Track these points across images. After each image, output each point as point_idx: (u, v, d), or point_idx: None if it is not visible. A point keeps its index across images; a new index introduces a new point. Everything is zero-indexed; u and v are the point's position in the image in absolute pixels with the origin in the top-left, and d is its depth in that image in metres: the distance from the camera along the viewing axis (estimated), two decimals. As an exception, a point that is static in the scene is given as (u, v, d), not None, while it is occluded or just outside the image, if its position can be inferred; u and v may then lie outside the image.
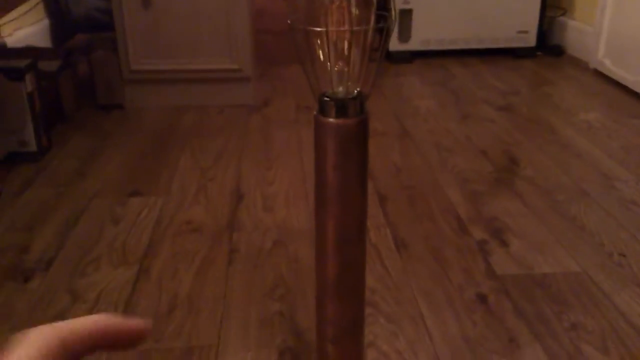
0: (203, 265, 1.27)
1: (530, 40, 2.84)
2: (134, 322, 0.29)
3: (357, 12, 0.54)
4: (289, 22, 0.55)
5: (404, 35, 2.81)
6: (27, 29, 2.56)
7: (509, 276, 1.21)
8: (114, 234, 1.40)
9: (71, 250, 1.34)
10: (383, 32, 0.58)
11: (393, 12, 0.56)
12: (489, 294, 1.15)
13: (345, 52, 0.55)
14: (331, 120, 0.59)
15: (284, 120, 2.13)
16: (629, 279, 1.19)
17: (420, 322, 1.08)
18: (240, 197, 1.57)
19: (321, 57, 0.56)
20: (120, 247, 1.33)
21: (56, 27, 2.81)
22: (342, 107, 0.58)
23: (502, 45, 2.85)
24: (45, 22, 2.77)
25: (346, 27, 0.54)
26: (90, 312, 1.13)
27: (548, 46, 2.90)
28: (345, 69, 0.57)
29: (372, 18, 0.55)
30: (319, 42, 0.55)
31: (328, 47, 0.54)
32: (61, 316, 1.12)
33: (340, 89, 0.60)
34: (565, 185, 1.60)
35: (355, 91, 0.60)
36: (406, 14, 2.76)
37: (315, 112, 0.60)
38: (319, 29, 0.54)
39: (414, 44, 2.82)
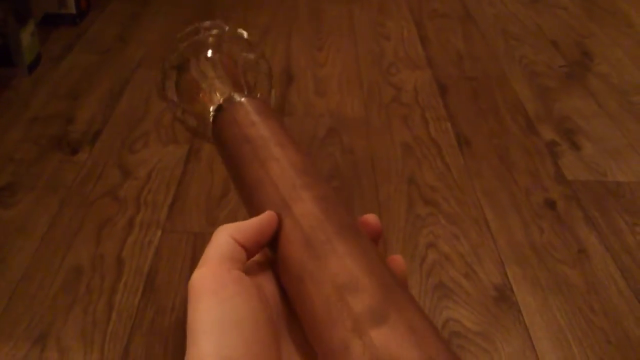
0: (255, 149, 1.21)
1: None
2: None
3: None
4: None
5: None
6: None
7: (580, 182, 1.14)
8: (161, 109, 1.33)
9: (118, 124, 1.29)
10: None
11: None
12: (558, 199, 1.09)
13: None
14: None
15: (335, -6, 1.97)
16: None
17: (484, 225, 1.03)
18: (290, 79, 1.48)
19: None
20: (169, 124, 1.28)
21: None
22: None
23: None
24: None
25: None
26: (141, 189, 1.10)
27: None
28: None
29: None
30: None
31: None
32: (112, 192, 1.09)
33: None
34: (641, 85, 1.47)
35: None
36: None
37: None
38: None
39: None
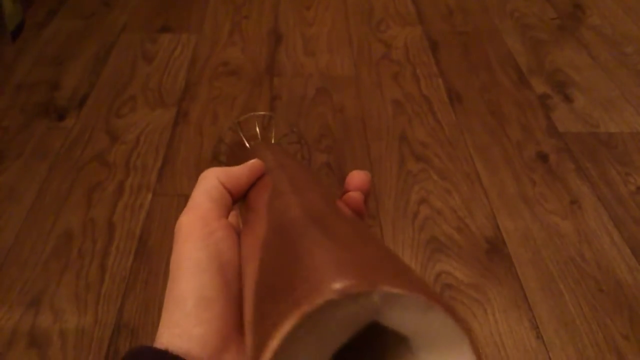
0: (244, 111, 1.20)
1: None
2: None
3: None
4: None
5: None
6: None
7: (572, 134, 1.13)
8: (148, 72, 1.31)
9: (104, 88, 1.27)
10: None
11: None
12: (550, 152, 1.09)
13: None
14: None
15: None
16: (701, 143, 1.11)
17: (476, 179, 1.03)
18: (279, 39, 1.45)
19: None
20: (155, 87, 1.26)
21: None
22: None
23: None
24: None
25: None
26: (130, 153, 1.09)
27: None
28: None
29: None
30: None
31: None
32: (101, 157, 1.08)
33: None
34: (634, 35, 1.45)
35: None
36: None
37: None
38: None
39: None
